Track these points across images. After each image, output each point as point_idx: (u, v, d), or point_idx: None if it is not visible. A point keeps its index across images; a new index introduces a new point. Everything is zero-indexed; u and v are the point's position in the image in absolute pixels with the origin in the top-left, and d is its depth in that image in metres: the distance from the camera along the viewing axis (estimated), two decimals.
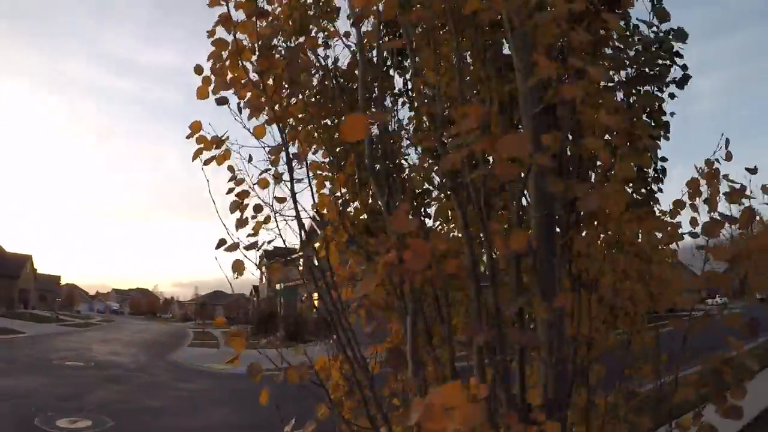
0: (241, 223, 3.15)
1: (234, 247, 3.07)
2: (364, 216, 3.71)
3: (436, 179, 3.48)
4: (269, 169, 3.24)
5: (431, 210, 3.59)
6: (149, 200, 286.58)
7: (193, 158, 3.09)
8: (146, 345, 36.77)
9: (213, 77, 3.05)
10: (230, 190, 3.15)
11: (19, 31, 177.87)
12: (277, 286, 52.71)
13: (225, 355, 28.84)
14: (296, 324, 40.06)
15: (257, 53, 2.96)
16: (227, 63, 3.03)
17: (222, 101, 3.09)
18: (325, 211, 3.63)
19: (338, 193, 3.67)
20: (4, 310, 54.51)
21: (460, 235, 2.82)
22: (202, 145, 3.05)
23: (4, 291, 66.86)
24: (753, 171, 2.86)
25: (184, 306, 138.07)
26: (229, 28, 2.95)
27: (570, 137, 2.48)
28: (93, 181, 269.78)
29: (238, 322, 79.14)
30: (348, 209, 3.69)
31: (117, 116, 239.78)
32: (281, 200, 3.22)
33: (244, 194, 3.18)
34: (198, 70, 3.06)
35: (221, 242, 3.07)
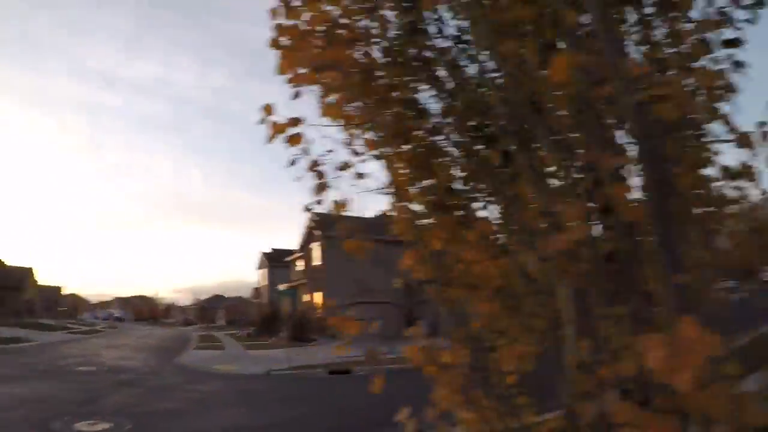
0: (319, 198, 3.30)
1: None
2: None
3: None
4: (331, 151, 3.34)
5: None
6: (144, 209, 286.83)
7: (269, 140, 3.20)
8: (153, 349, 36.78)
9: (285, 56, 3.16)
10: (312, 166, 3.31)
11: (2, 53, 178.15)
12: (280, 287, 52.71)
13: (230, 357, 29.02)
14: (300, 324, 40.12)
15: (325, 33, 3.06)
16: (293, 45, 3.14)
17: (297, 95, 3.24)
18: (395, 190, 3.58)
19: (402, 170, 3.58)
20: (12, 321, 54.97)
21: None
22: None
23: (10, 303, 68.65)
24: None
25: (185, 311, 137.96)
26: (292, 15, 3.07)
27: None
28: (88, 193, 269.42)
29: (239, 324, 79.13)
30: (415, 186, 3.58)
31: (106, 129, 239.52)
32: (361, 176, 3.35)
33: (322, 175, 3.31)
34: (275, 43, 3.18)
35: (307, 208, 3.36)
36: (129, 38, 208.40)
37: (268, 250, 71.66)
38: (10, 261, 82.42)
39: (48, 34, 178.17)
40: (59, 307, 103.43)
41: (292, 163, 3.32)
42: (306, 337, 38.42)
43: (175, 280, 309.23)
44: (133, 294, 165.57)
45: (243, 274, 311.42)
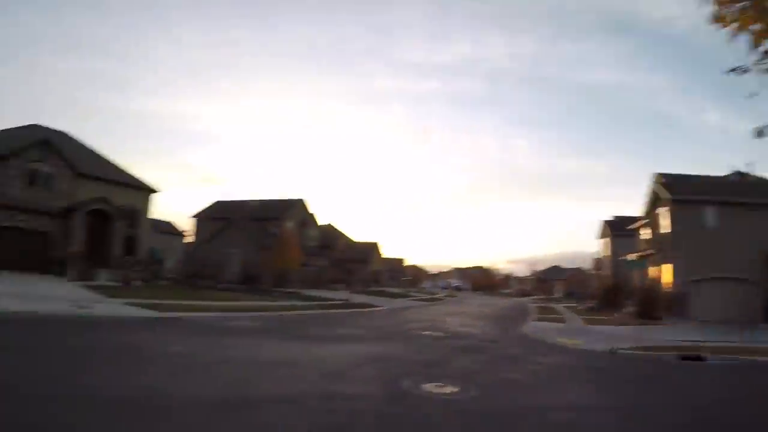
0: None
1: None
2: None
3: None
4: None
5: None
6: (475, 184, 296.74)
7: (754, 47, 3.25)
8: (492, 318, 37.44)
9: None
10: None
11: (331, 67, 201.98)
12: (626, 258, 48.64)
13: (571, 330, 28.01)
14: (647, 299, 37.05)
15: None
16: None
17: None
18: None
19: None
20: (360, 289, 61.75)
21: None
22: None
23: (359, 273, 78.84)
24: None
25: (522, 281, 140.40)
26: None
27: None
28: (422, 174, 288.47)
29: (577, 297, 77.72)
30: None
31: (429, 113, 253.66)
32: None
33: None
34: None
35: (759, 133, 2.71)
36: (432, 26, 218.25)
37: (610, 218, 69.00)
38: (358, 238, 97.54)
39: (360, 39, 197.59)
40: (402, 277, 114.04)
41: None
42: (653, 314, 35.34)
43: (510, 252, 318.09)
44: (471, 265, 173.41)
45: (582, 245, 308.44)
